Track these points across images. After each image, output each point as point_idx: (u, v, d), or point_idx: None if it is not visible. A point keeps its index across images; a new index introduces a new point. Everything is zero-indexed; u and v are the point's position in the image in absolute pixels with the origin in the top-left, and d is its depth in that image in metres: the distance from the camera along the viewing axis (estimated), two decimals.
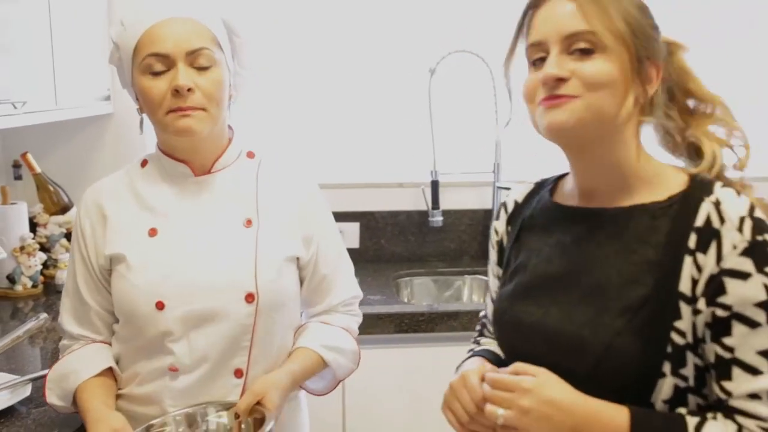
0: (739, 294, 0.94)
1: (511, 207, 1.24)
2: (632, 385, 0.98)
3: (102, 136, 2.49)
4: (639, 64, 1.01)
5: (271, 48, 2.60)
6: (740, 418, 0.95)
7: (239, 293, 1.29)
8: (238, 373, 1.32)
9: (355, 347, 1.47)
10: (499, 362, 1.17)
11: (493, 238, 1.27)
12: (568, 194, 1.15)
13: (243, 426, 1.25)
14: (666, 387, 0.98)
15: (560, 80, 1.00)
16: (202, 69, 1.27)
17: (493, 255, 1.28)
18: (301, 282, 1.43)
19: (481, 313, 1.37)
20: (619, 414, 0.97)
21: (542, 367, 1.00)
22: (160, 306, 1.28)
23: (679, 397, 0.99)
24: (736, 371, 0.95)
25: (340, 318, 1.47)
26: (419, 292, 2.63)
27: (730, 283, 0.94)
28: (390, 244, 2.72)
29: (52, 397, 1.35)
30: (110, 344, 1.39)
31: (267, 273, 1.31)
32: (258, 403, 1.25)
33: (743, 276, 0.94)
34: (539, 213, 1.17)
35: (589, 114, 0.99)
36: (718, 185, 1.00)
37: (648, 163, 1.07)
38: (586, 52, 0.99)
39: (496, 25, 1.05)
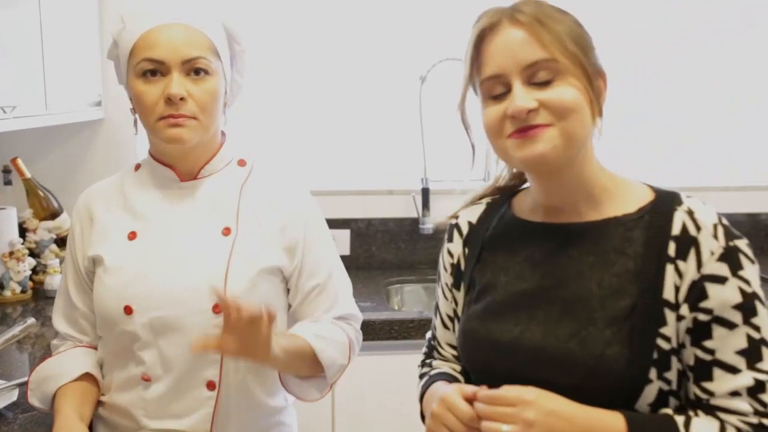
0: (719, 298, 0.97)
1: (465, 229, 1.22)
2: (621, 393, 1.00)
3: (93, 142, 2.48)
4: (592, 80, 1.03)
5: (265, 53, 2.60)
6: (722, 415, 0.98)
7: (206, 303, 1.27)
8: (211, 386, 1.29)
9: (346, 339, 1.39)
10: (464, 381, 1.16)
11: (446, 260, 1.24)
12: (530, 210, 1.15)
13: None
14: (652, 391, 1.00)
15: (530, 111, 1.00)
16: (196, 78, 1.26)
17: (446, 278, 1.24)
18: (289, 296, 1.39)
19: (428, 335, 1.34)
20: (615, 420, 0.98)
21: (527, 385, 1.00)
22: (128, 310, 1.27)
23: (661, 399, 1.01)
24: (717, 372, 0.98)
25: (330, 322, 1.39)
26: (410, 300, 2.63)
27: (711, 288, 0.97)
28: (380, 252, 2.72)
29: (33, 399, 1.36)
30: (96, 348, 1.39)
31: (238, 283, 1.28)
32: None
33: (721, 280, 0.97)
34: (502, 231, 1.17)
35: (564, 141, 1.00)
36: (683, 195, 1.04)
37: (609, 177, 1.09)
38: (547, 81, 1.00)
39: (481, 20, 1.05)
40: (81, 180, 2.41)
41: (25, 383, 1.51)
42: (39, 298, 2.25)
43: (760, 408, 0.96)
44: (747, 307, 0.97)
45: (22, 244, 2.26)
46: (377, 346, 2.11)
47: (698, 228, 0.99)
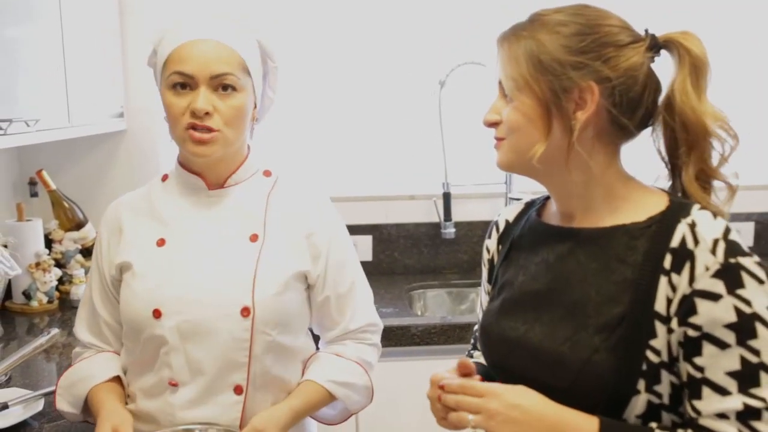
0: (709, 315, 0.94)
1: (502, 226, 1.26)
2: (607, 401, 0.99)
3: (115, 153, 2.52)
4: (555, 98, 1.03)
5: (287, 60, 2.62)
6: None
7: (235, 307, 1.29)
8: (238, 390, 1.31)
9: (369, 383, 1.45)
10: (488, 374, 1.17)
11: (485, 256, 1.29)
12: (553, 214, 1.18)
13: None
14: (640, 403, 0.99)
15: (493, 123, 1.11)
16: (224, 94, 1.29)
17: (484, 272, 1.30)
18: (312, 304, 1.41)
19: (475, 327, 1.37)
20: (588, 423, 0.98)
21: (526, 384, 1.02)
22: (157, 314, 1.29)
23: (652, 413, 1.00)
24: (706, 391, 0.95)
25: (354, 349, 1.44)
26: (433, 305, 2.62)
27: (701, 304, 0.95)
28: (403, 257, 2.72)
29: (63, 404, 1.37)
30: (119, 355, 1.41)
31: (266, 288, 1.31)
32: None
33: (714, 297, 0.94)
34: (527, 232, 1.20)
35: (513, 154, 1.09)
36: (695, 207, 1.02)
37: (625, 184, 1.09)
38: (509, 92, 1.08)
39: (495, 35, 1.08)
40: (105, 191, 2.45)
41: (52, 392, 1.54)
42: (65, 308, 2.28)
43: None
44: (743, 328, 0.93)
45: (48, 255, 2.29)
46: (399, 352, 2.11)
47: (696, 242, 0.97)
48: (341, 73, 2.67)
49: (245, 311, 1.28)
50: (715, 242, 0.96)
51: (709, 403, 0.95)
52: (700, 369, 0.95)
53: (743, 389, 0.93)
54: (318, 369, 1.40)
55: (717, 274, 0.94)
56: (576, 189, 1.08)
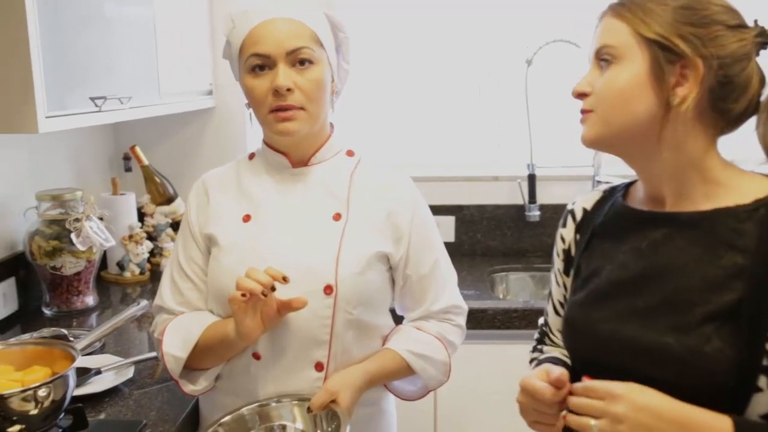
0: None
1: (579, 214, 1.21)
2: (722, 398, 0.93)
3: (204, 130, 2.58)
4: (658, 68, 0.98)
5: (370, 41, 2.62)
6: None
7: (318, 284, 1.30)
8: (319, 367, 1.32)
9: (446, 358, 1.43)
10: (573, 371, 1.13)
11: (559, 246, 1.24)
12: (640, 200, 1.12)
13: (317, 421, 1.26)
14: (763, 402, 0.92)
15: (583, 94, 1.06)
16: (302, 68, 1.30)
17: (558, 263, 1.24)
18: (395, 284, 1.42)
19: (540, 321, 1.33)
20: (720, 423, 0.91)
21: (625, 378, 0.96)
22: None
23: None
24: None
25: (435, 325, 1.44)
26: (515, 288, 2.59)
27: None
28: (486, 238, 2.69)
29: (171, 346, 1.32)
30: None
31: (349, 266, 1.31)
32: (332, 401, 1.26)
33: None
34: (612, 219, 1.14)
35: (602, 127, 1.04)
36: None
37: (724, 169, 1.03)
38: (607, 62, 1.03)
39: (594, 13, 1.04)
40: (194, 166, 2.52)
41: (141, 361, 1.60)
42: (155, 279, 2.35)
43: None
44: None
45: (141, 228, 2.38)
46: (479, 335, 2.08)
47: None
48: (428, 52, 2.65)
49: (328, 289, 1.30)
50: None
51: None
52: None
53: None
54: (397, 339, 1.40)
55: None
56: (668, 170, 1.03)
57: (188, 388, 1.35)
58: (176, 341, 1.33)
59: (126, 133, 2.56)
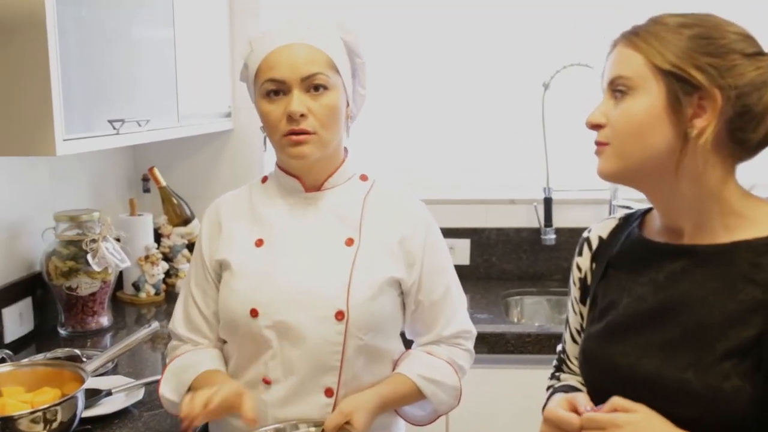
0: None
1: (595, 243, 1.19)
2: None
3: (222, 152, 2.60)
4: (675, 100, 0.97)
5: (386, 61, 2.63)
6: None
7: (329, 310, 1.30)
8: (329, 393, 1.32)
9: (457, 383, 1.42)
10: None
11: (575, 275, 1.22)
12: (656, 230, 1.10)
13: None
14: None
15: (597, 126, 1.04)
16: (316, 94, 1.30)
17: (574, 292, 1.23)
18: (405, 309, 1.41)
19: (558, 348, 1.31)
20: None
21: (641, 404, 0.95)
22: (254, 313, 1.31)
23: None
24: None
25: (445, 349, 1.43)
26: (530, 312, 2.57)
27: None
28: (501, 262, 2.67)
29: (165, 389, 1.37)
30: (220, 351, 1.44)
31: (361, 292, 1.31)
32: (346, 422, 1.25)
33: None
34: (628, 249, 1.12)
35: (618, 160, 1.02)
36: None
37: (743, 199, 1.01)
38: (621, 93, 1.01)
39: (609, 37, 1.04)
40: (211, 188, 2.54)
41: (153, 382, 1.60)
42: (171, 300, 2.37)
43: None
44: None
45: (157, 248, 2.40)
46: (493, 360, 2.07)
47: None
48: (444, 75, 2.66)
49: (339, 315, 1.29)
50: None
51: None
52: None
53: None
54: (408, 363, 1.40)
55: None
56: (686, 203, 1.02)
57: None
58: (171, 383, 1.37)
59: (145, 153, 2.59)
